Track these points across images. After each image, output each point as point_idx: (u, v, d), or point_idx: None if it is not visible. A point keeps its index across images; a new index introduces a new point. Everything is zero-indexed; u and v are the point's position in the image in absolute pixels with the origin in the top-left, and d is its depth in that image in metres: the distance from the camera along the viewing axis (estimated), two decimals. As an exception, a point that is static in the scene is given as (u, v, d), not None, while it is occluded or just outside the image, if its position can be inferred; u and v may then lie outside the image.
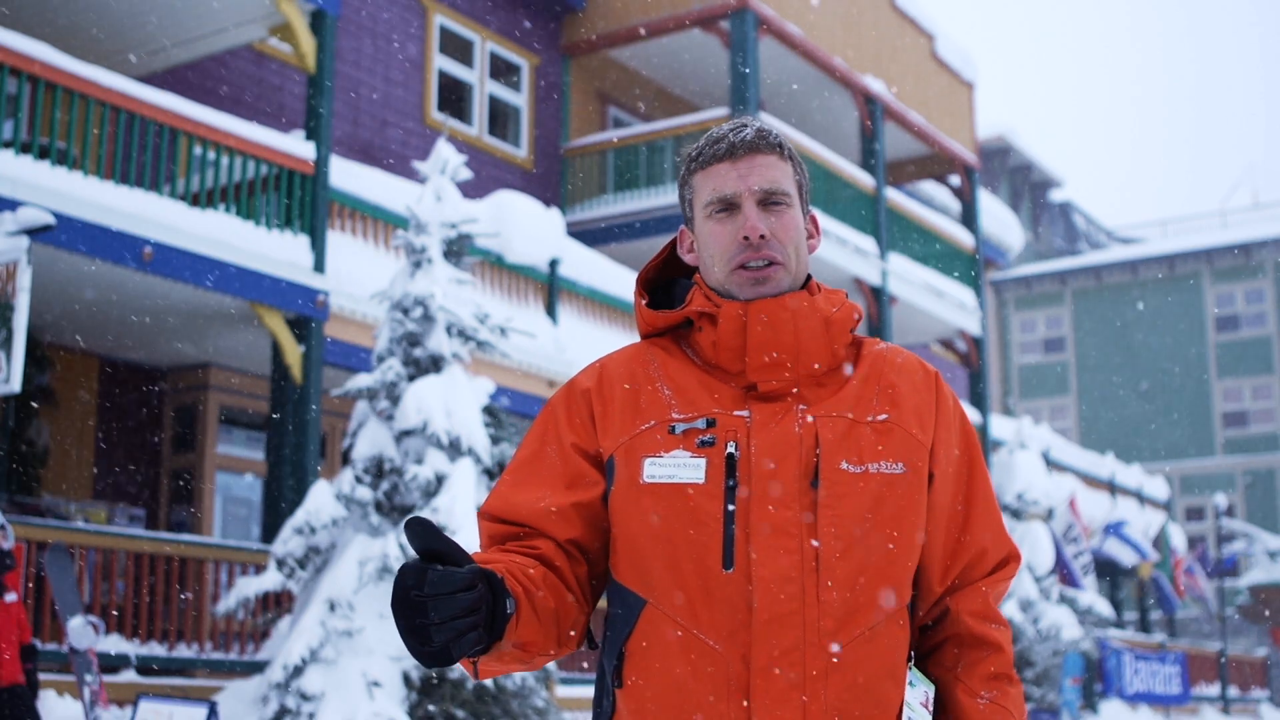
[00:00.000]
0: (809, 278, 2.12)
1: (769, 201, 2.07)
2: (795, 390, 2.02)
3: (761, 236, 2.03)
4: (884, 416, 2.02)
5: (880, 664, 1.94)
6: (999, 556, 2.11)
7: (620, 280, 15.58)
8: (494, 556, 1.93)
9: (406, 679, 9.09)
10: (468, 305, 10.07)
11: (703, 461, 1.95)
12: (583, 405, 2.07)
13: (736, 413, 1.99)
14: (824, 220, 17.05)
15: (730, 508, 1.93)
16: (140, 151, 10.89)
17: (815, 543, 1.93)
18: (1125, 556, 24.40)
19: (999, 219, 31.18)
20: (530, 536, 2.02)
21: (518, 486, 2.06)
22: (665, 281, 2.22)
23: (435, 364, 9.77)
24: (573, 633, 2.00)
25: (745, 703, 1.90)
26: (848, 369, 2.08)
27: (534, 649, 1.90)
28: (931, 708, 2.01)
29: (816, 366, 2.03)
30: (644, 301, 2.15)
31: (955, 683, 2.06)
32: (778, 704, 1.89)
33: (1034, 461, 20.19)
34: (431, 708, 9.09)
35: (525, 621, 1.86)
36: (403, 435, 9.53)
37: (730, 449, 1.95)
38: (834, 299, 2.08)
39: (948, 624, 2.08)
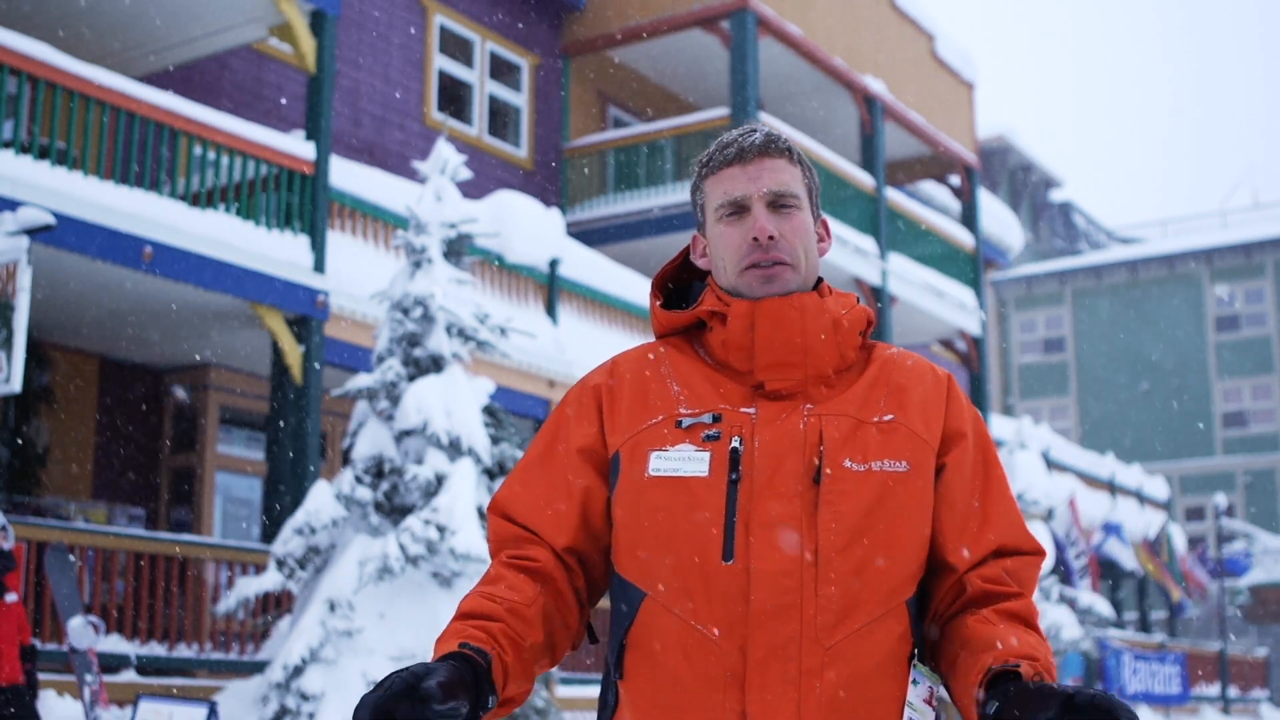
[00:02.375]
0: (820, 280, 2.13)
1: (778, 204, 2.09)
2: (802, 390, 2.03)
3: (770, 238, 2.06)
4: (890, 417, 2.03)
5: (877, 660, 1.94)
6: (1018, 549, 2.05)
7: (620, 280, 15.58)
8: (486, 606, 1.97)
9: (406, 679, 9.08)
10: (468, 305, 10.07)
11: (707, 455, 1.98)
12: (592, 403, 2.10)
13: (743, 409, 2.01)
14: (827, 222, 17.01)
15: (732, 501, 1.95)
16: (140, 151, 10.89)
17: (815, 538, 1.93)
18: (1125, 558, 24.39)
19: (999, 219, 31.16)
20: (531, 543, 2.06)
21: (525, 486, 2.11)
22: (681, 284, 2.25)
23: (435, 364, 9.77)
24: (564, 644, 2.07)
25: (741, 695, 1.91)
26: (856, 371, 2.09)
27: (520, 698, 1.99)
28: (935, 704, 2.00)
29: (824, 367, 2.04)
30: (658, 303, 2.19)
31: (967, 613, 1.99)
32: (773, 696, 1.90)
33: (1034, 461, 20.20)
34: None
35: (511, 682, 1.93)
36: (403, 435, 9.53)
37: (735, 443, 1.97)
38: (844, 301, 2.11)
39: (964, 593, 2.02)
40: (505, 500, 2.11)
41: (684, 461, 1.98)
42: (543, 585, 2.03)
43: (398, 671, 1.76)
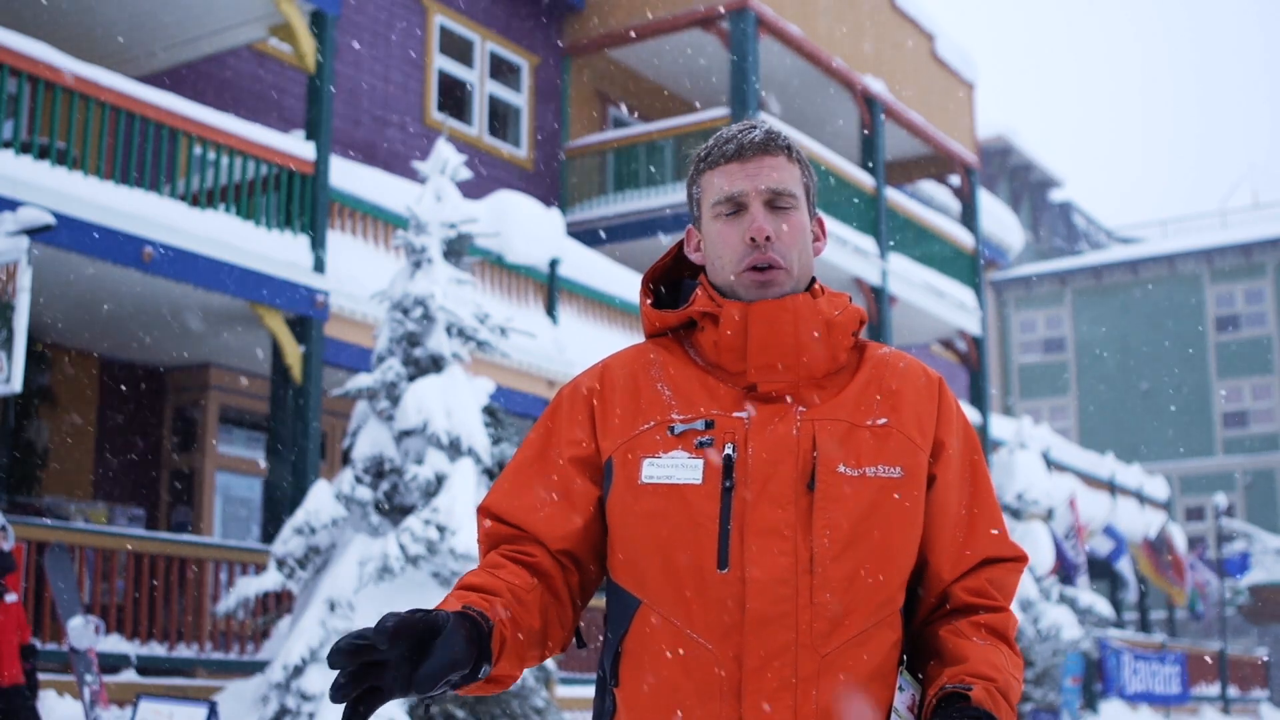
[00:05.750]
0: (813, 280, 2.12)
1: (776, 203, 2.08)
2: (795, 392, 2.02)
3: (768, 238, 2.04)
4: (883, 421, 2.02)
5: (871, 668, 1.94)
6: (1002, 558, 2.08)
7: (620, 280, 15.58)
8: (488, 581, 1.95)
9: (406, 679, 9.08)
10: (468, 305, 10.07)
11: (700, 462, 1.97)
12: (584, 407, 2.09)
13: (735, 414, 2.00)
14: (824, 220, 17.01)
15: (726, 508, 1.94)
16: (140, 151, 10.89)
17: (810, 545, 1.93)
18: (1103, 547, 24.26)
19: (999, 219, 31.19)
20: (525, 541, 2.05)
21: (517, 488, 2.08)
22: (672, 281, 2.23)
23: (435, 364, 9.77)
24: (556, 640, 2.04)
25: (737, 703, 1.90)
26: (849, 372, 2.08)
27: (506, 681, 1.95)
28: (918, 711, 1.99)
29: (816, 369, 2.04)
30: (648, 301, 2.17)
31: (942, 625, 2.02)
32: (769, 705, 1.90)
33: (1034, 461, 20.19)
34: (432, 708, 9.08)
35: (505, 658, 1.90)
36: (403, 435, 9.53)
37: (728, 450, 1.96)
38: (837, 302, 2.09)
39: (946, 604, 2.05)
40: (496, 503, 2.09)
41: (677, 468, 1.97)
42: (540, 579, 2.01)
43: (396, 615, 1.72)
